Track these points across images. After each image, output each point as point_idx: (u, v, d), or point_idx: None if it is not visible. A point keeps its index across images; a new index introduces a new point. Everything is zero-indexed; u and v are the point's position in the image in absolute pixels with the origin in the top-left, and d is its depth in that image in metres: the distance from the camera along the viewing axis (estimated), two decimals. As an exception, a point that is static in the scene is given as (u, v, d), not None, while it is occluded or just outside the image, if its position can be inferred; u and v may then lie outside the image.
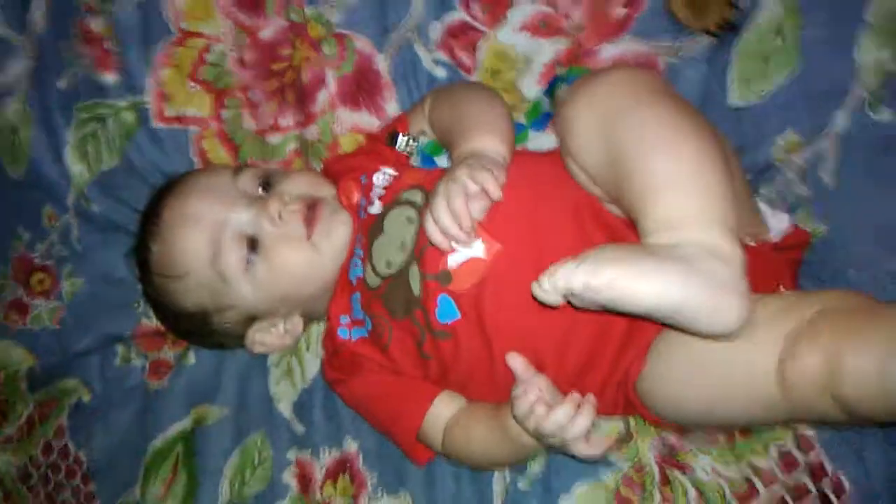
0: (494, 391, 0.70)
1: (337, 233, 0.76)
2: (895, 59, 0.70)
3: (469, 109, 0.74)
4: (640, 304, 0.54)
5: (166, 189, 0.80)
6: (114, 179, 0.92)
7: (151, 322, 0.91)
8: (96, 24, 0.89)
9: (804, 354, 0.56)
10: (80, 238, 0.94)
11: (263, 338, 0.81)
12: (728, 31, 0.72)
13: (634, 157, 0.59)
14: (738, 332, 0.55)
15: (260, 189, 0.77)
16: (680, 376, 0.64)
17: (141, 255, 0.80)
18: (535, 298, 0.55)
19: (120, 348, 0.93)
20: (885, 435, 0.68)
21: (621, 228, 0.67)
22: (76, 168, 0.92)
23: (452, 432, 0.72)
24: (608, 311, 0.56)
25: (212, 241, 0.75)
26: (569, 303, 0.56)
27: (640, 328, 0.66)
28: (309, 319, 0.83)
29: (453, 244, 0.66)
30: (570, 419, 0.62)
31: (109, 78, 0.89)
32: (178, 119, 0.89)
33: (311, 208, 0.75)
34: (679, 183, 0.57)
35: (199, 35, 0.87)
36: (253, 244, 0.75)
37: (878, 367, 0.53)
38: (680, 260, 0.54)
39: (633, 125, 0.60)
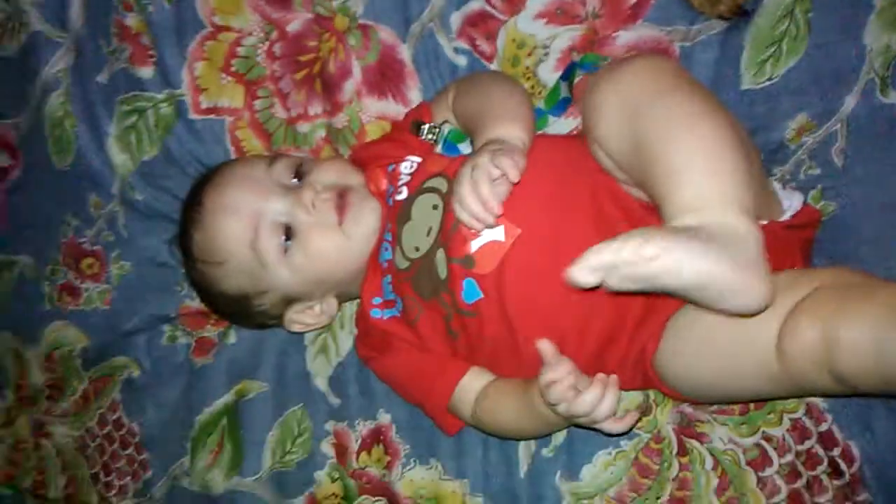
0: (519, 367, 0.73)
1: (366, 219, 0.79)
2: None
3: (490, 99, 0.76)
4: (680, 280, 0.55)
5: (205, 180, 0.84)
6: (155, 169, 0.95)
7: (194, 303, 0.96)
8: (132, 21, 0.92)
9: (802, 330, 0.58)
10: (125, 224, 0.98)
11: (300, 318, 0.84)
12: (741, 16, 0.73)
13: (657, 143, 0.61)
14: (761, 310, 0.57)
15: (293, 178, 0.81)
16: (692, 352, 0.66)
17: (184, 242, 0.84)
18: (569, 280, 0.57)
19: (166, 327, 0.97)
20: (891, 406, 0.70)
21: (639, 211, 0.69)
22: (119, 158, 0.96)
23: (482, 405, 0.75)
24: (634, 293, 0.57)
25: (250, 229, 0.78)
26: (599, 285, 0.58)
27: (656, 308, 0.68)
28: (343, 299, 0.87)
29: (480, 227, 0.68)
30: (599, 401, 0.64)
31: (146, 72, 0.93)
32: (213, 110, 0.92)
33: (342, 196, 0.79)
34: (700, 167, 0.59)
35: (229, 29, 0.90)
36: (288, 231, 0.78)
37: (872, 342, 0.55)
38: (708, 240, 0.56)
39: (656, 112, 0.62)
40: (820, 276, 0.62)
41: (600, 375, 0.66)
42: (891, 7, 0.70)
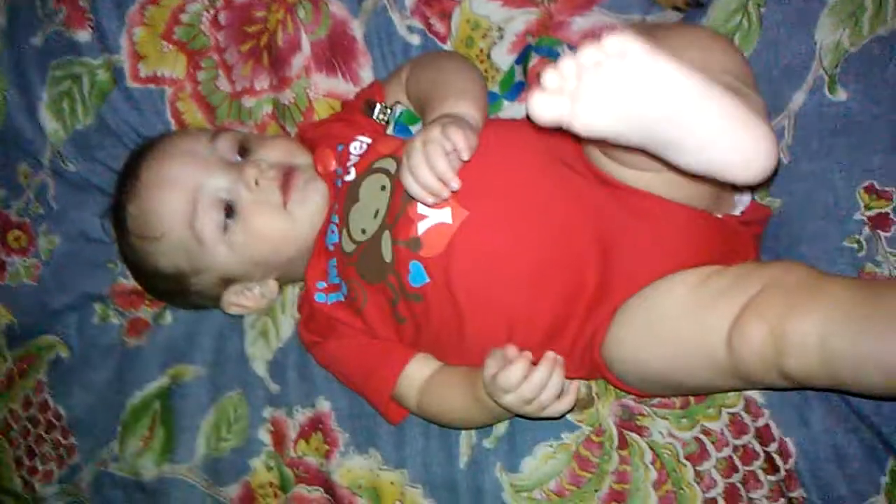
0: (466, 353, 0.72)
1: (312, 200, 0.77)
2: (851, 38, 0.70)
3: (443, 77, 0.74)
4: (672, 90, 0.50)
5: (144, 150, 0.81)
6: (89, 138, 0.92)
7: (128, 281, 0.92)
8: (68, -19, 0.88)
9: (750, 329, 0.59)
10: (56, 196, 0.94)
11: (239, 300, 0.82)
12: (695, 7, 0.73)
13: None
14: (764, 176, 0.54)
15: (237, 155, 0.78)
16: (641, 341, 0.66)
17: (117, 215, 0.81)
18: (536, 109, 0.51)
19: (98, 306, 0.94)
20: (828, 402, 0.71)
21: (598, 195, 0.68)
22: (51, 126, 0.92)
23: (427, 394, 0.74)
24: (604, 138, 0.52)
25: (189, 205, 0.76)
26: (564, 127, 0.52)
27: (608, 293, 0.68)
28: (284, 282, 0.84)
29: (432, 201, 0.67)
30: (547, 380, 0.65)
31: (83, 35, 0.89)
32: (153, 79, 0.89)
33: (287, 176, 0.76)
34: None
35: (172, -6, 0.86)
36: (229, 209, 0.76)
37: (817, 341, 0.56)
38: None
39: None
40: (771, 272, 0.63)
41: (548, 354, 0.66)
42: (842, 3, 0.70)
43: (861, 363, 0.56)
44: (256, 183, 0.75)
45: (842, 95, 0.71)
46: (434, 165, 0.64)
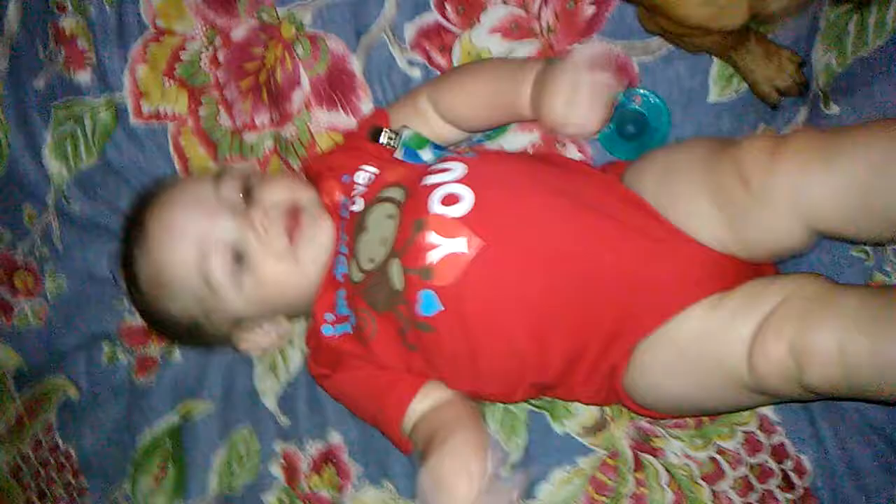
0: (478, 381, 0.72)
1: (319, 240, 0.76)
2: (839, 60, 0.74)
3: (487, 69, 0.76)
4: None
5: (148, 199, 0.81)
6: (93, 178, 0.91)
7: (136, 319, 0.92)
8: (68, 23, 0.88)
9: (769, 346, 0.59)
10: (61, 237, 0.94)
11: (251, 338, 0.82)
12: (797, 95, 0.74)
13: None
14: None
15: (241, 196, 0.78)
16: (662, 371, 0.66)
17: (127, 267, 0.81)
18: None
19: (105, 345, 0.93)
20: (841, 417, 0.72)
21: (619, 215, 0.68)
22: (55, 167, 0.92)
23: (416, 431, 0.72)
24: None
25: (198, 254, 0.75)
26: None
27: (626, 327, 0.67)
28: (294, 317, 0.84)
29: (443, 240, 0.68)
30: None
31: (83, 76, 0.89)
32: (156, 116, 0.89)
33: (293, 216, 0.76)
34: None
35: (173, 33, 0.87)
36: (237, 255, 0.76)
37: (837, 353, 0.56)
38: None
39: None
40: (786, 286, 0.63)
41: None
42: (830, 28, 0.73)
43: (882, 369, 0.56)
44: (263, 228, 0.75)
45: (835, 109, 0.73)
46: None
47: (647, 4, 0.67)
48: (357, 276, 0.74)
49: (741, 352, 0.61)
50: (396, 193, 0.73)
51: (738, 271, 0.67)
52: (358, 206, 0.75)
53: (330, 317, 0.78)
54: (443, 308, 0.69)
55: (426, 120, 0.79)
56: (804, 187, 0.61)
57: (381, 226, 0.72)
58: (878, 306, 0.58)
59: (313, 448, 0.84)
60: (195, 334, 0.82)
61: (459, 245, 0.68)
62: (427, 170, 0.73)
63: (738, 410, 0.73)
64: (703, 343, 0.63)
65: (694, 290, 0.65)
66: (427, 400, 0.73)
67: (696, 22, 0.62)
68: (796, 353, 0.58)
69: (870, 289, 0.67)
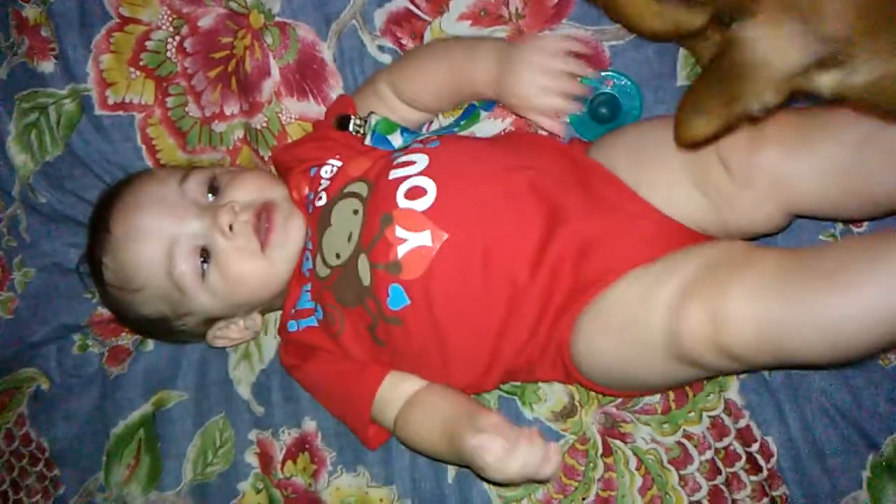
0: (447, 371, 0.72)
1: (292, 239, 0.76)
2: None
3: (442, 50, 0.76)
4: None
5: (112, 199, 0.79)
6: (59, 170, 0.90)
7: (107, 311, 0.91)
8: (30, 12, 0.87)
9: (687, 311, 0.59)
10: (28, 228, 0.93)
11: (224, 334, 0.82)
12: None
13: None
14: None
15: (208, 194, 0.77)
16: (597, 343, 0.66)
17: (94, 268, 0.80)
18: None
19: (77, 337, 0.93)
20: (807, 399, 0.73)
21: (577, 208, 0.68)
22: (20, 158, 0.91)
23: (405, 426, 0.73)
24: None
25: (165, 255, 0.75)
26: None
27: (577, 297, 0.67)
28: (267, 312, 0.84)
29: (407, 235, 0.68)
30: (530, 455, 0.63)
31: (47, 66, 0.87)
32: (122, 106, 0.87)
33: (265, 214, 0.75)
34: None
35: (137, 21, 0.85)
36: (206, 255, 0.75)
37: (751, 312, 0.56)
38: None
39: None
40: (706, 250, 0.63)
41: (525, 431, 0.64)
42: None
43: (797, 328, 0.55)
44: (231, 229, 0.74)
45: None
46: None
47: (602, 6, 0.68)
48: (323, 271, 0.73)
49: (662, 319, 0.60)
50: (360, 188, 0.73)
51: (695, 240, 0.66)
52: (322, 200, 0.75)
53: (292, 311, 0.78)
54: (410, 302, 0.69)
55: (389, 105, 0.79)
56: (785, 168, 0.61)
57: (347, 221, 0.72)
58: (793, 266, 0.57)
59: (287, 436, 0.84)
60: (168, 332, 0.82)
61: (424, 238, 0.68)
62: (392, 164, 0.73)
63: (680, 385, 0.72)
64: (629, 309, 0.63)
65: (644, 253, 0.65)
66: (403, 384, 0.73)
67: (650, 30, 0.62)
68: (712, 317, 0.57)
69: (789, 250, 0.66)
